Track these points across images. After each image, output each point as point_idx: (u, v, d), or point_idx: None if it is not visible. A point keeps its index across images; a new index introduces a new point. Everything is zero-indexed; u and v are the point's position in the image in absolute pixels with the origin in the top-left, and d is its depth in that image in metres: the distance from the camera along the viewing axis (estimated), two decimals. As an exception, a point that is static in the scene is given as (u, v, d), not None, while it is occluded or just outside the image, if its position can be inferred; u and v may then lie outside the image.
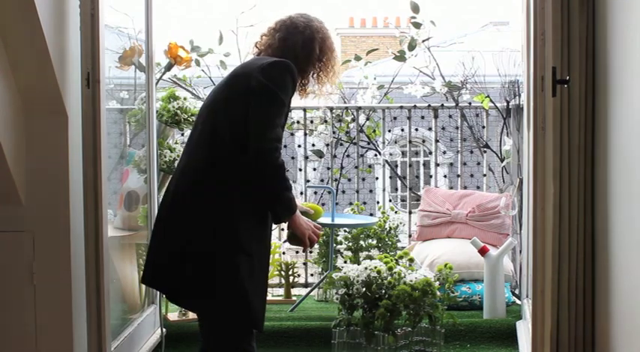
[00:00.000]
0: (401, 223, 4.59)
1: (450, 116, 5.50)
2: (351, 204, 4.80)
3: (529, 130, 3.42)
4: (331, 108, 4.90)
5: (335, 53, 2.88)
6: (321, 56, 2.83)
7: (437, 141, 4.94)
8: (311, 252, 4.69)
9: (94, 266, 2.75)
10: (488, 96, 4.72)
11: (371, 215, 4.84)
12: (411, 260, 3.72)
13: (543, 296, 2.81)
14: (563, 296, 2.96)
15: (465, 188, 5.02)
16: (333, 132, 4.88)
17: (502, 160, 4.72)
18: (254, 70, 2.63)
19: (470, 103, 4.87)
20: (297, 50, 2.78)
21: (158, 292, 3.64)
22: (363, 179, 4.97)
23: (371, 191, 5.87)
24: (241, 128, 2.54)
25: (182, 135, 4.27)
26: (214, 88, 2.80)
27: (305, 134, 4.86)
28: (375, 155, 5.21)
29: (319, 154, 4.98)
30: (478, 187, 5.15)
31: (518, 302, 4.11)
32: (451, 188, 6.48)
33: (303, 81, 2.84)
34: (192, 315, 3.93)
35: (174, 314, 3.96)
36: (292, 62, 2.69)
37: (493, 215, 4.37)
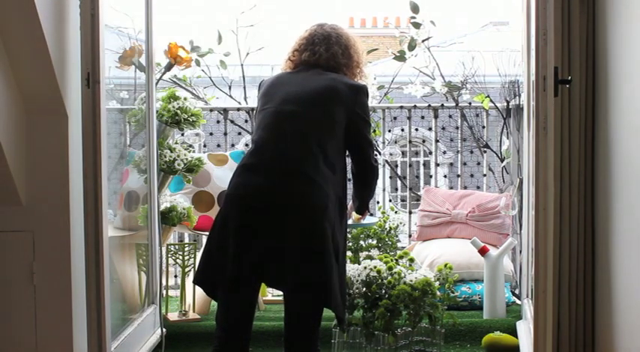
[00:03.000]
0: (401, 223, 4.59)
1: (450, 116, 5.50)
2: (350, 203, 4.79)
3: (530, 130, 3.42)
4: (331, 108, 4.88)
5: (364, 55, 3.15)
6: (358, 61, 3.08)
7: (437, 141, 4.94)
8: None
9: (94, 266, 2.74)
10: (488, 96, 4.72)
11: (371, 215, 4.84)
12: (411, 260, 3.72)
13: (545, 296, 2.81)
14: (564, 296, 2.97)
15: (465, 188, 5.02)
16: (333, 132, 4.87)
17: (502, 160, 4.73)
18: (348, 93, 2.93)
19: (470, 103, 4.87)
20: (339, 60, 3.02)
21: (158, 292, 3.64)
22: (363, 179, 4.96)
23: (371, 191, 5.86)
24: (342, 139, 2.92)
25: (182, 135, 4.27)
26: (292, 88, 2.92)
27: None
28: (375, 155, 5.20)
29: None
30: (478, 187, 5.15)
31: (518, 302, 4.11)
32: (451, 188, 6.49)
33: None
34: (192, 315, 3.94)
35: (174, 314, 3.96)
36: (339, 71, 3.01)
37: (493, 215, 4.37)
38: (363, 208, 3.24)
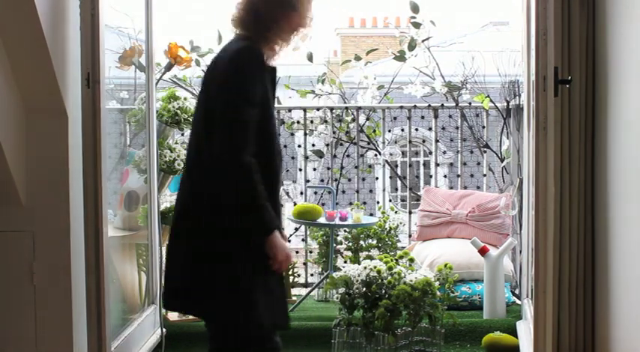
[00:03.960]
0: (401, 223, 4.59)
1: (450, 116, 5.50)
2: (351, 204, 4.80)
3: (530, 130, 3.42)
4: (331, 108, 4.90)
5: (289, 7, 2.51)
6: (275, 18, 2.49)
7: (437, 141, 4.93)
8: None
9: (94, 266, 2.75)
10: (488, 96, 4.72)
11: (371, 215, 4.84)
12: (411, 260, 3.72)
13: (545, 296, 2.81)
14: (564, 296, 2.96)
15: (465, 188, 5.02)
16: (333, 132, 4.88)
17: (502, 160, 4.73)
18: (221, 64, 2.46)
19: (470, 103, 4.87)
20: (251, 16, 2.50)
21: (158, 292, 3.64)
22: (363, 179, 4.97)
23: (371, 191, 5.87)
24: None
25: (182, 135, 4.27)
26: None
27: (305, 134, 4.86)
28: (375, 155, 5.21)
29: (319, 154, 4.98)
30: (478, 187, 5.15)
31: (518, 302, 4.11)
32: (451, 188, 6.49)
33: (282, 43, 2.53)
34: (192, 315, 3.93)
35: (174, 314, 3.96)
36: (263, 31, 2.48)
37: (493, 215, 4.37)
38: (258, 231, 2.42)
